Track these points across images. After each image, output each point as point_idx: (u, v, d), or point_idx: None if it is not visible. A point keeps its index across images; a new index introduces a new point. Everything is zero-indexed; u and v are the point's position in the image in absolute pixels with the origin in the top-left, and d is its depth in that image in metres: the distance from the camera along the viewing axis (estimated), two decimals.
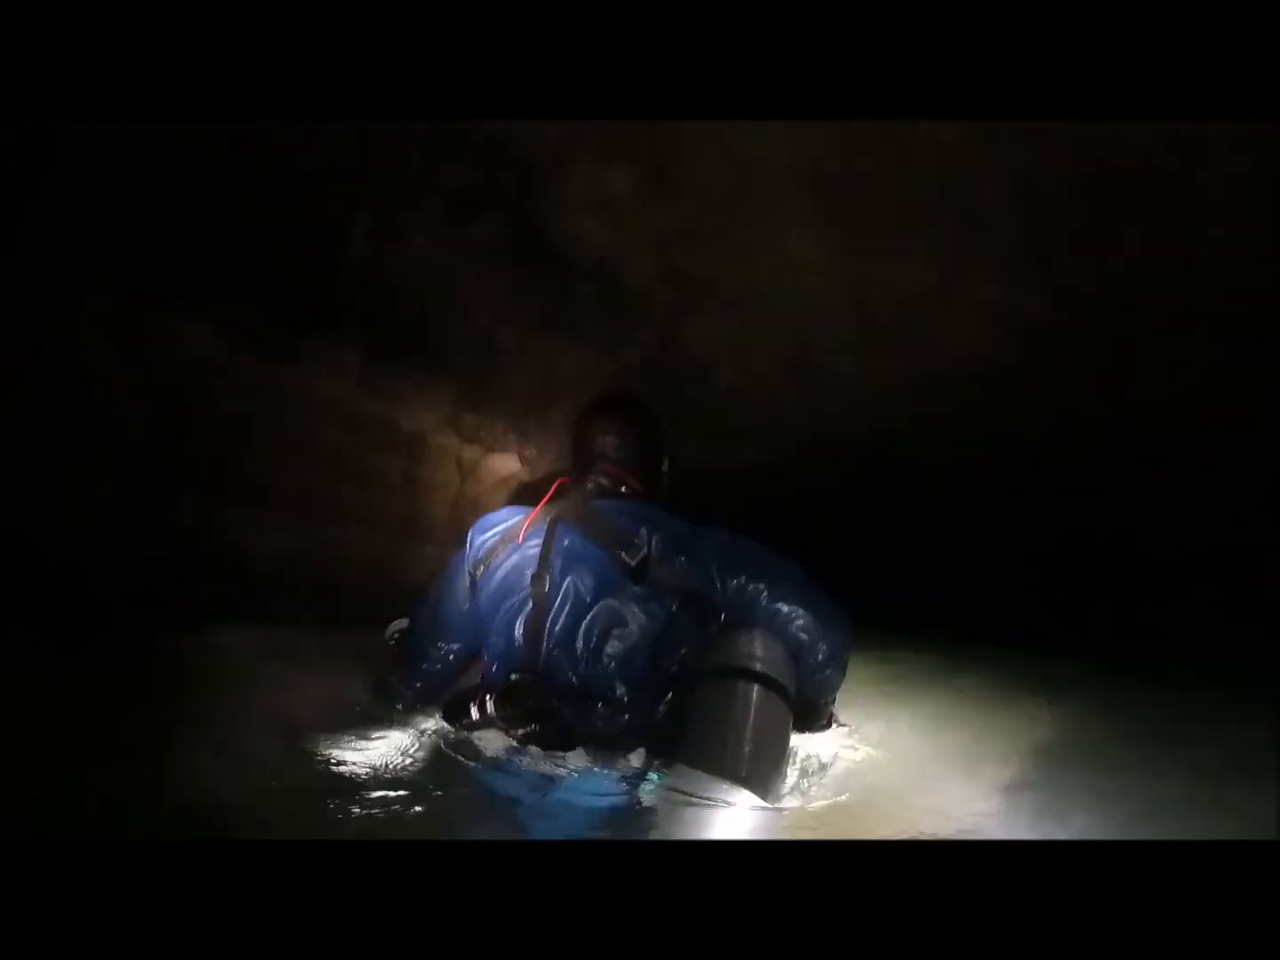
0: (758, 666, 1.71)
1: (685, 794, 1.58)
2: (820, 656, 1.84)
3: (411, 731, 2.17)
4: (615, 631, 1.90)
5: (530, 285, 4.23)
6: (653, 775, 1.74)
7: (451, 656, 2.18)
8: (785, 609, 1.82)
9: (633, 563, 1.95)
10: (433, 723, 2.18)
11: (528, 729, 1.82)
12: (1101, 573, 6.05)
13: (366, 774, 1.84)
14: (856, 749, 2.23)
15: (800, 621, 1.81)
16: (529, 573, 2.03)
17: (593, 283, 4.28)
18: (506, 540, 2.15)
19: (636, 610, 1.91)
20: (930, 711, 2.67)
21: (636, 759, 1.85)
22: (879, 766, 2.11)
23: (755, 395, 5.79)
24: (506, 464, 5.02)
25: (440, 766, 1.90)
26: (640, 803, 1.65)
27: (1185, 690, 2.84)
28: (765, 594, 1.83)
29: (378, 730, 2.15)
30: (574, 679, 1.89)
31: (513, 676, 1.90)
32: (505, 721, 1.84)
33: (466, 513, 4.95)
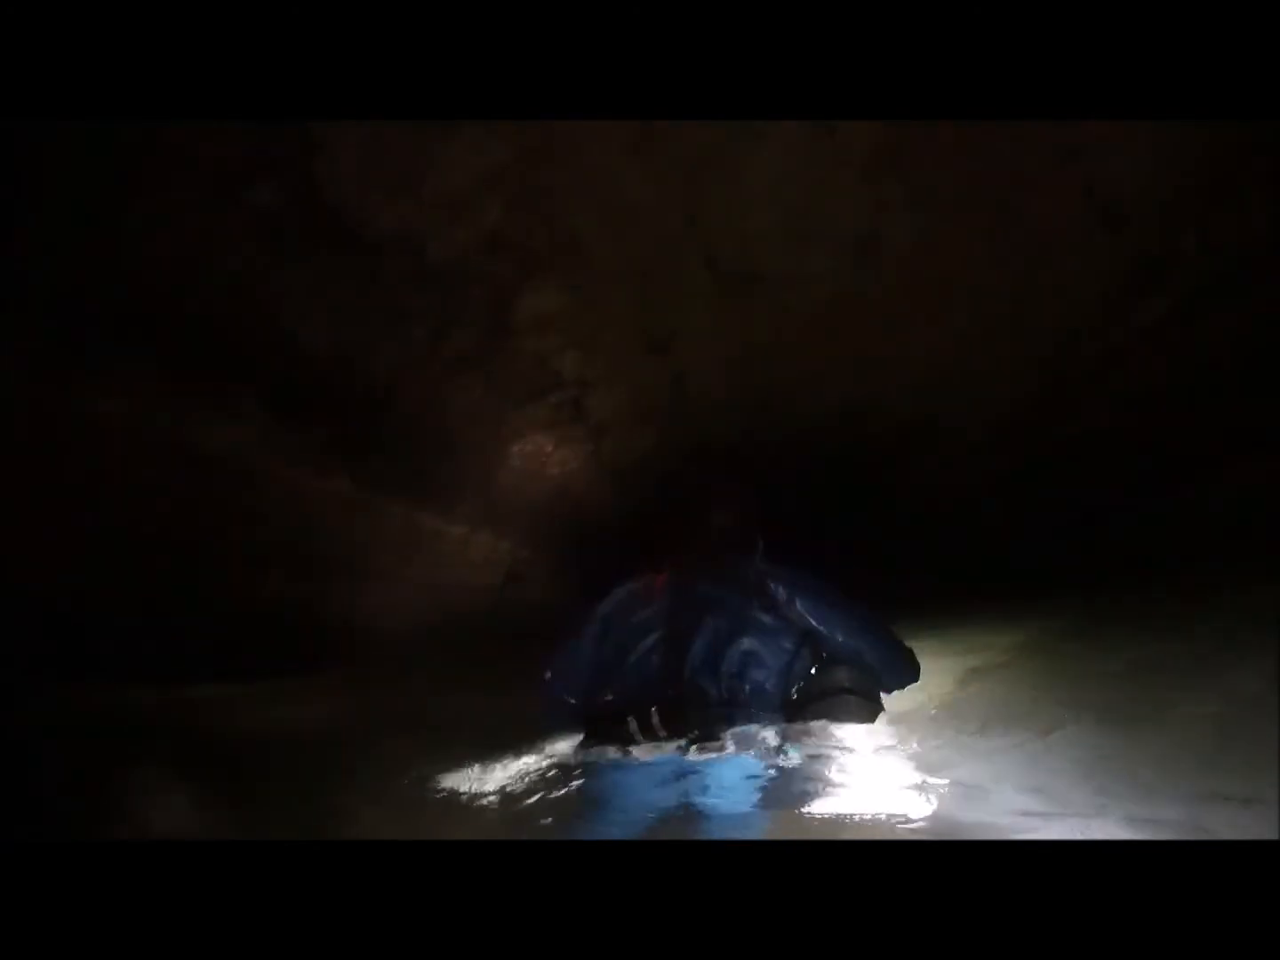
0: (849, 684, 2.27)
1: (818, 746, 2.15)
2: (888, 686, 2.39)
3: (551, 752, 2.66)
4: (755, 664, 2.32)
5: (331, 270, 3.60)
6: (788, 747, 2.16)
7: (580, 697, 2.50)
8: (866, 652, 2.34)
9: (766, 608, 2.37)
10: (565, 744, 2.60)
11: (691, 735, 2.16)
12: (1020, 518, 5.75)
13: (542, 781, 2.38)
14: None
15: (876, 665, 2.35)
16: (664, 616, 2.42)
17: (401, 260, 3.67)
18: (641, 591, 2.54)
19: (772, 648, 2.34)
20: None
21: (773, 739, 2.22)
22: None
23: (611, 380, 5.24)
24: (334, 483, 4.35)
25: (605, 767, 2.25)
26: (786, 765, 2.11)
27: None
28: (853, 641, 2.34)
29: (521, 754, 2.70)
30: (715, 697, 2.28)
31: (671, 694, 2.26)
32: (670, 732, 2.17)
33: (299, 539, 4.30)
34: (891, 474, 6.59)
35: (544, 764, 2.54)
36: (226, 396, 3.67)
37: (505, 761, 2.64)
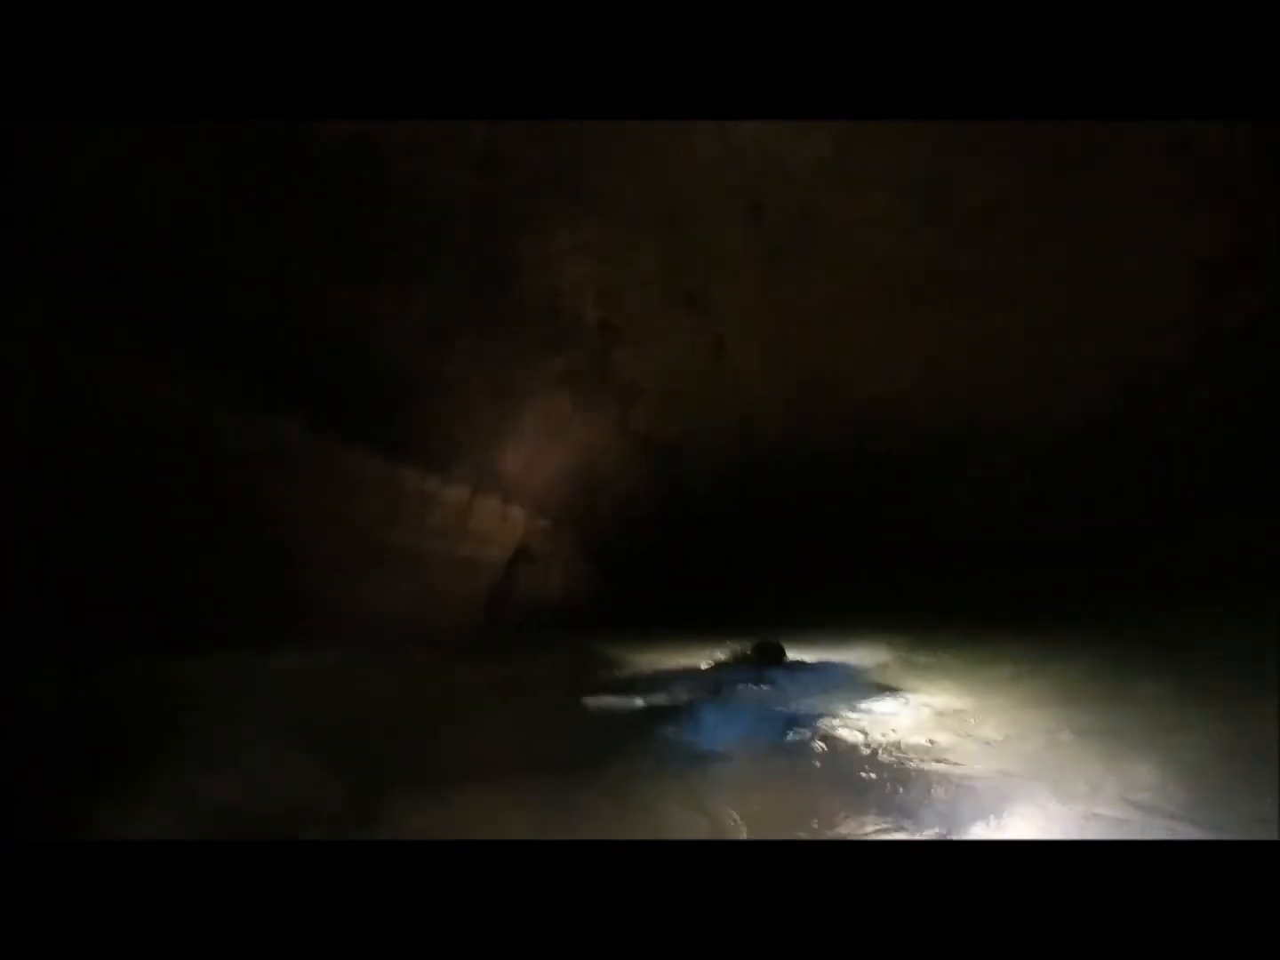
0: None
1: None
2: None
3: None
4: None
5: (275, 191, 3.04)
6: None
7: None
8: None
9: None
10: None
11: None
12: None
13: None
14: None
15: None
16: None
17: (360, 175, 3.11)
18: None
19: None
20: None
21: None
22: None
23: (637, 335, 4.67)
24: (287, 427, 3.73)
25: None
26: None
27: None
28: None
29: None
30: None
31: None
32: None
33: (245, 499, 3.62)
34: (944, 484, 5.94)
35: None
36: (140, 326, 3.03)
37: None
